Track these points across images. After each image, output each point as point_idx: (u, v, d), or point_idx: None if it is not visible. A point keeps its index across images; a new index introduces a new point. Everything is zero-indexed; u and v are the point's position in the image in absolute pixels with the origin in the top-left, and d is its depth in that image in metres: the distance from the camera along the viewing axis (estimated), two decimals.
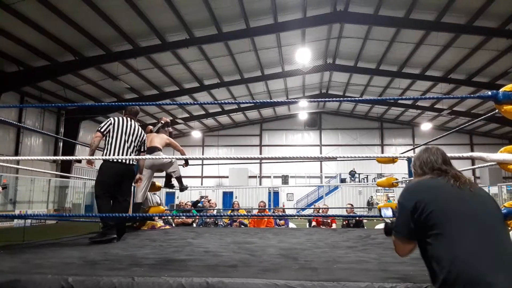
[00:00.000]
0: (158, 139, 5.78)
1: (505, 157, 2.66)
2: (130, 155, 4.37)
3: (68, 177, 15.81)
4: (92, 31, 11.98)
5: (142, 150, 4.64)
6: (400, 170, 16.42)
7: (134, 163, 4.49)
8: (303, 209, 22.45)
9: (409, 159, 6.04)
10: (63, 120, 17.81)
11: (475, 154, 2.83)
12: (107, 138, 4.31)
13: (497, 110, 2.88)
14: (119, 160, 4.22)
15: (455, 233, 1.54)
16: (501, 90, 2.74)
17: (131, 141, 4.41)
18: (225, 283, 2.06)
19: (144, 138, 4.62)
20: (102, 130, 4.29)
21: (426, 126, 24.28)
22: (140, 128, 4.57)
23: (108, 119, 4.39)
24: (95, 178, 4.46)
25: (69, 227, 8.90)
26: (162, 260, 2.96)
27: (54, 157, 11.25)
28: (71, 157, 13.72)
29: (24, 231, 9.24)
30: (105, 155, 4.23)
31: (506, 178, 24.55)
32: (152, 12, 11.56)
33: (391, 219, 2.06)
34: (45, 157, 14.69)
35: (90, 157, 4.23)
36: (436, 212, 1.59)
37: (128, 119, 4.50)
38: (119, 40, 12.67)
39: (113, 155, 4.24)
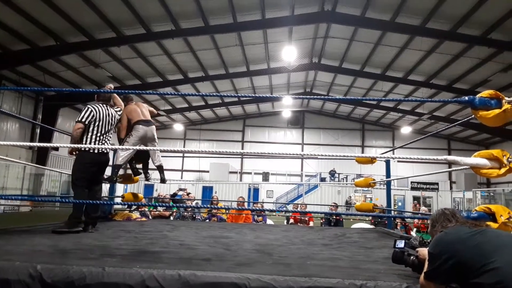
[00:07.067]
0: (146, 111, 5.52)
1: (478, 161, 2.72)
2: (108, 143, 4.42)
3: (44, 165, 15.47)
4: (75, 16, 11.69)
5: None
6: (379, 172, 16.59)
7: (108, 151, 4.52)
8: (281, 206, 22.61)
9: (387, 161, 6.14)
10: (41, 106, 17.32)
11: (450, 157, 2.89)
12: (88, 129, 4.25)
13: (473, 116, 2.94)
14: (99, 150, 4.23)
15: None
16: (477, 96, 2.80)
17: (108, 129, 4.43)
18: (198, 276, 2.05)
19: (117, 119, 4.66)
20: (84, 121, 4.20)
21: (406, 130, 24.71)
22: (113, 112, 4.56)
23: (88, 108, 4.29)
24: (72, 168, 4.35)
25: (43, 215, 8.72)
26: (136, 252, 2.93)
27: (31, 143, 10.96)
28: (48, 144, 13.42)
29: None
30: (85, 144, 4.20)
31: (480, 184, 25.24)
32: (138, 1, 11.36)
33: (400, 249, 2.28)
34: (21, 143, 14.28)
35: (73, 145, 4.12)
36: None
37: (105, 106, 4.45)
38: (103, 27, 12.41)
39: (93, 144, 4.22)
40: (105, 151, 4.39)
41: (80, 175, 4.20)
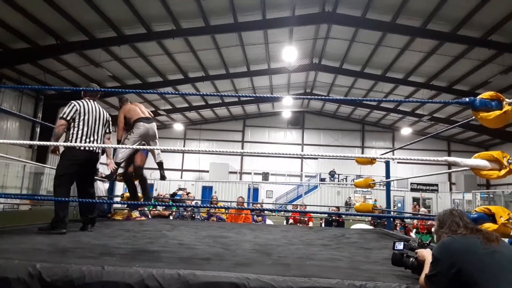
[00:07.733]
0: (144, 109, 5.45)
1: (478, 162, 2.72)
2: (98, 141, 4.21)
3: (44, 163, 15.44)
4: (76, 15, 11.68)
5: (108, 131, 4.45)
6: (378, 173, 16.60)
7: (99, 151, 4.31)
8: (280, 206, 22.60)
9: (387, 162, 6.13)
10: (41, 105, 17.29)
11: (450, 158, 2.89)
12: (72, 125, 4.09)
13: (473, 117, 2.94)
14: (86, 148, 4.04)
15: None
16: (478, 97, 2.80)
17: (97, 124, 4.22)
18: (197, 275, 2.05)
19: (109, 119, 4.46)
20: (66, 116, 4.04)
21: (406, 131, 24.70)
22: (103, 110, 4.40)
23: (71, 104, 4.11)
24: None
25: (43, 214, 8.70)
26: (135, 251, 2.92)
27: (30, 142, 11.01)
28: (48, 143, 13.38)
29: None
30: (70, 142, 4.04)
31: (480, 185, 25.25)
32: (139, 0, 11.36)
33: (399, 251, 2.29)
34: (20, 141, 14.36)
35: (63, 144, 4.04)
36: None
37: (91, 101, 4.27)
38: (103, 27, 12.40)
39: (79, 139, 4.05)
40: (95, 150, 4.19)
41: (64, 172, 4.00)
